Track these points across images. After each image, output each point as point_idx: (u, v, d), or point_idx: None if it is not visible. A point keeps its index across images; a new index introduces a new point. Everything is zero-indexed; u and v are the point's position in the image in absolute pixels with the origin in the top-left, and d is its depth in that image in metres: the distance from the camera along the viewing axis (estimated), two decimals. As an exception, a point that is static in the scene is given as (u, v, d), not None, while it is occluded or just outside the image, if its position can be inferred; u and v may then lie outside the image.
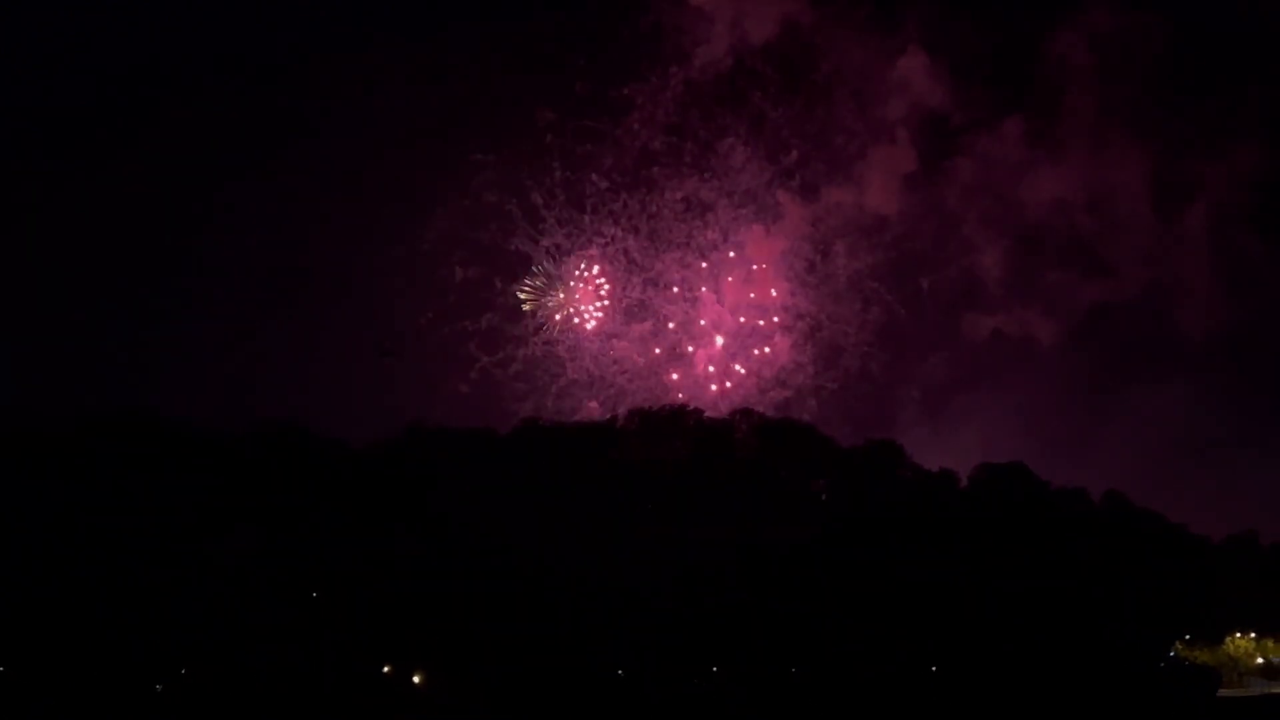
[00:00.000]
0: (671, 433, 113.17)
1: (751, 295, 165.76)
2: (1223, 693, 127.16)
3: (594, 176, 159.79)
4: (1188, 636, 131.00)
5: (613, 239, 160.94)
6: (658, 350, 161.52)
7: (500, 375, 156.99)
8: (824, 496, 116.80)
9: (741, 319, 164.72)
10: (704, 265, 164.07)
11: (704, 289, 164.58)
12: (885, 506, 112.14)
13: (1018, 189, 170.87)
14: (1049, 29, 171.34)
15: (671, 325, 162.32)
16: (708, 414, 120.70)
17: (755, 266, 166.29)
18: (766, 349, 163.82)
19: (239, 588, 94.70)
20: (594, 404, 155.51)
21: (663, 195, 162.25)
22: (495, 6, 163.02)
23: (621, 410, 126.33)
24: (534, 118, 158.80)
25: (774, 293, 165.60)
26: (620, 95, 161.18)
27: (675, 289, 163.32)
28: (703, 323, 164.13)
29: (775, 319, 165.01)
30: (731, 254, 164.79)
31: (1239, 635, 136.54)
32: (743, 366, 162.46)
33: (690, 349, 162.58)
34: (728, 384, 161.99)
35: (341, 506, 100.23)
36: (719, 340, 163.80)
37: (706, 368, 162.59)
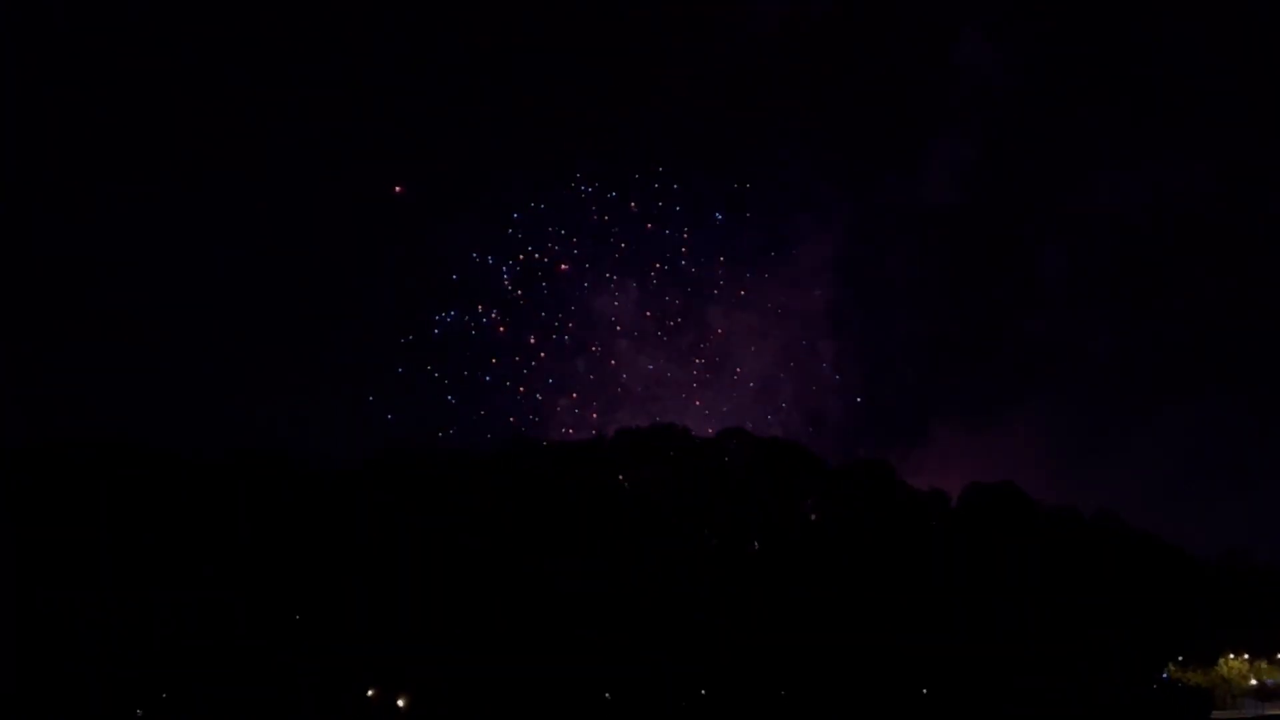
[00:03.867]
0: (658, 452, 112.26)
1: (797, 300, 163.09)
2: (1216, 715, 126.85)
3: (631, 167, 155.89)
4: (1180, 658, 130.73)
5: (651, 240, 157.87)
6: (699, 362, 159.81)
7: (543, 391, 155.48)
8: (813, 516, 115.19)
9: (786, 326, 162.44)
10: (747, 270, 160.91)
11: (746, 294, 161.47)
12: (874, 527, 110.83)
13: (1089, 184, 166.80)
14: (1127, 13, 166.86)
15: (714, 335, 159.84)
16: (694, 432, 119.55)
17: (798, 271, 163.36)
18: (809, 358, 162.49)
19: (221, 609, 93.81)
20: (637, 422, 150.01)
21: (703, 190, 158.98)
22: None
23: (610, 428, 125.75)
24: (559, 102, 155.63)
25: (819, 295, 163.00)
26: (658, 74, 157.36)
27: (717, 295, 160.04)
28: (745, 332, 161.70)
29: (821, 325, 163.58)
30: (775, 255, 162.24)
31: (1232, 656, 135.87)
32: (786, 377, 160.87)
33: (731, 361, 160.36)
34: (768, 398, 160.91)
35: (322, 528, 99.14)
36: (761, 350, 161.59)
37: (748, 381, 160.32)
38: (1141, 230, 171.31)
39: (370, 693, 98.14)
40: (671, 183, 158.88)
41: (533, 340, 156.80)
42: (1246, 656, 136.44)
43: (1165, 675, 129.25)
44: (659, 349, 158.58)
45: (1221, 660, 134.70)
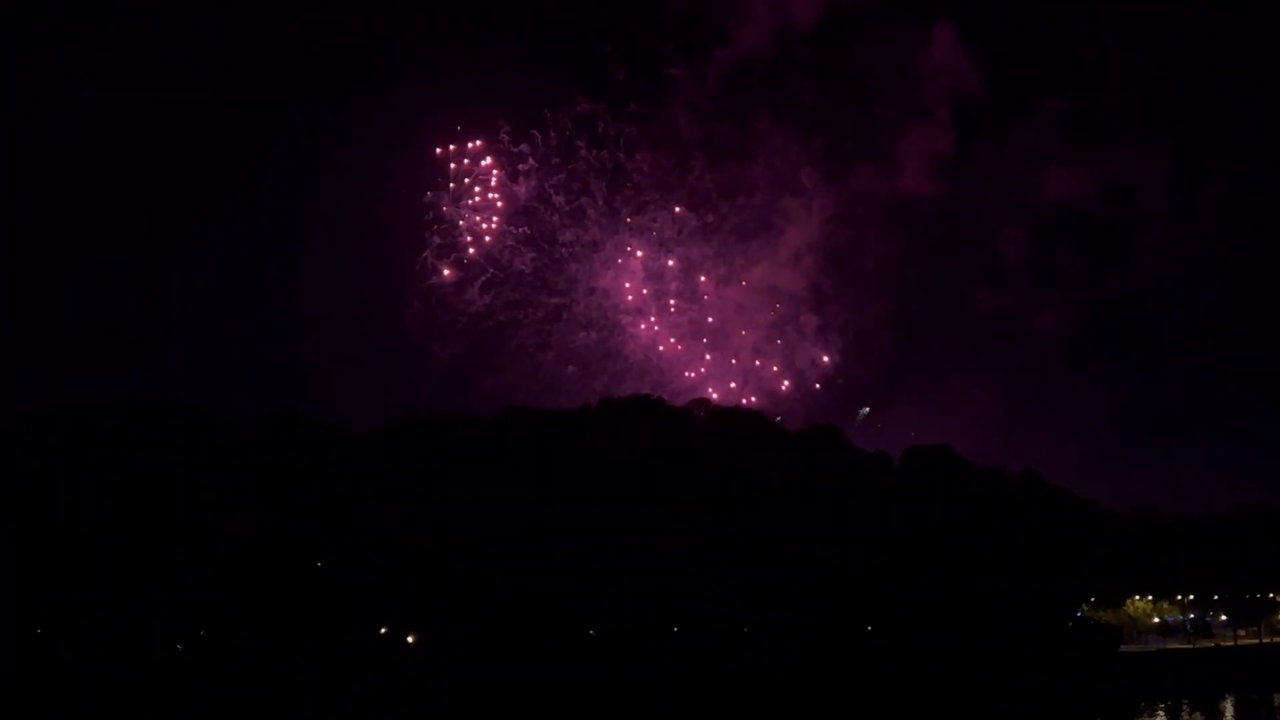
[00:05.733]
0: (636, 419, 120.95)
1: (784, 278, 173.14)
2: (1124, 648, 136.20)
3: (635, 159, 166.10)
4: (1093, 599, 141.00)
5: (651, 227, 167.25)
6: (697, 338, 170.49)
7: (550, 362, 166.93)
8: (773, 475, 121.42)
9: (775, 305, 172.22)
10: (739, 251, 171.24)
11: (739, 273, 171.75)
12: (825, 485, 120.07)
13: (1045, 174, 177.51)
14: (1084, 16, 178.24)
15: (710, 311, 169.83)
16: (669, 401, 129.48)
17: (785, 252, 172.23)
18: (793, 332, 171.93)
19: (249, 558, 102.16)
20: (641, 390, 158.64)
21: (701, 181, 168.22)
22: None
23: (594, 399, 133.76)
24: (573, 106, 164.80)
25: (803, 274, 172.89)
26: (662, 80, 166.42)
27: (711, 276, 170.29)
28: (735, 308, 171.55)
29: (804, 301, 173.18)
30: (766, 240, 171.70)
31: (1138, 598, 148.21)
32: (771, 350, 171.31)
33: (724, 334, 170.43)
34: (757, 368, 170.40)
35: (344, 485, 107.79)
36: (751, 324, 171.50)
37: (738, 352, 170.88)
38: (1092, 215, 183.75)
39: (383, 630, 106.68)
40: (673, 172, 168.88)
41: (542, 315, 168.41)
42: (1151, 598, 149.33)
43: (1079, 614, 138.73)
44: (659, 323, 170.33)
45: (1129, 601, 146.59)
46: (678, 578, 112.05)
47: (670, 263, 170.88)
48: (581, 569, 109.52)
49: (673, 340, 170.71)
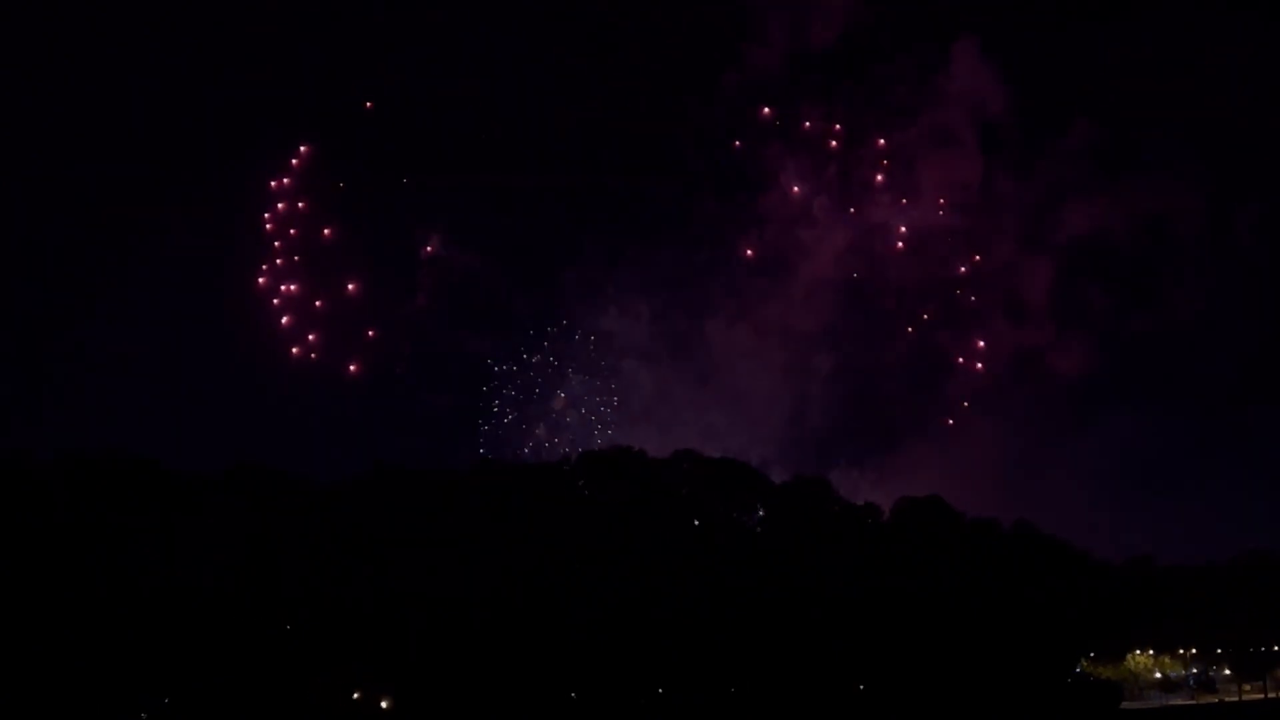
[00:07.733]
0: (615, 473, 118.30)
1: (795, 317, 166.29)
2: (1125, 705, 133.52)
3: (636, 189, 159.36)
4: (1092, 654, 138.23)
5: (655, 262, 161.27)
6: (700, 385, 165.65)
7: (554, 412, 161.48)
8: (758, 530, 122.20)
9: (784, 344, 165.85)
10: (746, 288, 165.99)
11: (748, 312, 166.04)
12: (813, 538, 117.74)
13: (1072, 204, 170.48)
14: (1109, 34, 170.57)
15: (715, 354, 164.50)
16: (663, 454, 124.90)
17: (796, 297, 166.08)
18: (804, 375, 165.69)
19: (217, 618, 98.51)
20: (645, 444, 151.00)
21: (705, 207, 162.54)
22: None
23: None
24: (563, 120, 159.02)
25: (816, 313, 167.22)
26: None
27: (719, 314, 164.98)
28: (742, 351, 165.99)
29: (818, 342, 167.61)
30: (776, 273, 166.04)
31: (1139, 653, 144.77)
32: (776, 394, 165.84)
33: (730, 379, 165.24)
34: (765, 414, 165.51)
35: (312, 541, 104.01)
36: (758, 367, 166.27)
37: (748, 398, 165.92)
38: (1120, 248, 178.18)
39: (355, 695, 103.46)
40: (676, 204, 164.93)
41: (535, 359, 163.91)
42: (1151, 652, 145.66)
43: (1078, 670, 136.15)
44: (661, 368, 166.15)
45: (1129, 656, 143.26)
46: (661, 635, 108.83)
47: (675, 302, 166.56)
48: (565, 628, 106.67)
49: (678, 387, 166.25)
